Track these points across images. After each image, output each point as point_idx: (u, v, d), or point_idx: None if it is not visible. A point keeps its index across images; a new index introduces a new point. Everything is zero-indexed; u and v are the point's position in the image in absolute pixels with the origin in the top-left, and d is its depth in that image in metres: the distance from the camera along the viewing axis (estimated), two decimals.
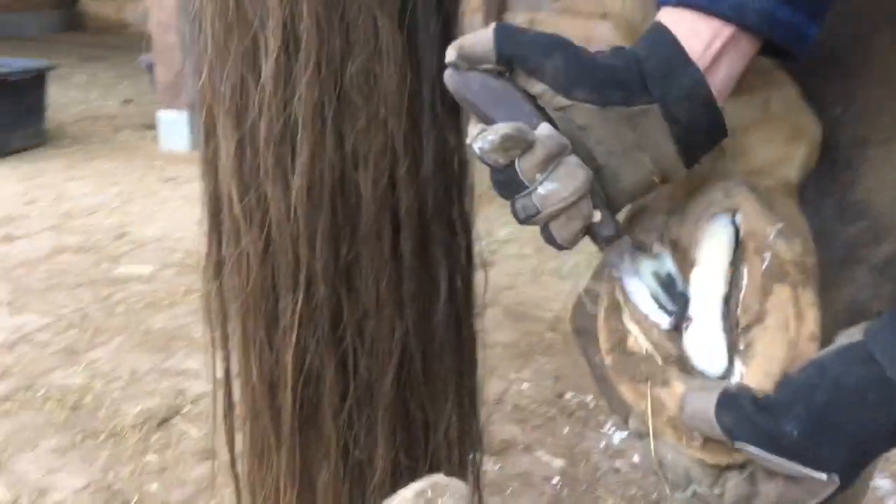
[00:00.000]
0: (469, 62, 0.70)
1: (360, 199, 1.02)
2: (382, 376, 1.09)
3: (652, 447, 0.74)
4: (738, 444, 0.67)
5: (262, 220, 1.02)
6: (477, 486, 1.33)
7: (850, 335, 0.67)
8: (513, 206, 0.71)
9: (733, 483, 0.70)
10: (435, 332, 1.10)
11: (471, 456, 1.28)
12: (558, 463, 1.89)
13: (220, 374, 1.17)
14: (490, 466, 1.87)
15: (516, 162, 0.68)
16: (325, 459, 1.11)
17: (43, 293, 2.72)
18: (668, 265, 0.79)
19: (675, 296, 0.78)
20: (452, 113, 1.03)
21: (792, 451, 0.64)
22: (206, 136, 1.07)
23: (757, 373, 0.71)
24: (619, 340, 0.78)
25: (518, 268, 2.78)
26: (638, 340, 0.77)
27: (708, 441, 0.71)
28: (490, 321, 2.47)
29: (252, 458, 1.16)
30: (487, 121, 0.70)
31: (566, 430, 2.00)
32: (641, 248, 0.80)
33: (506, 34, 0.69)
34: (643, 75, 0.67)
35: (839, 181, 0.90)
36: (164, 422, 2.00)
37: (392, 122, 1.00)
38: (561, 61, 0.67)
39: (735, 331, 0.74)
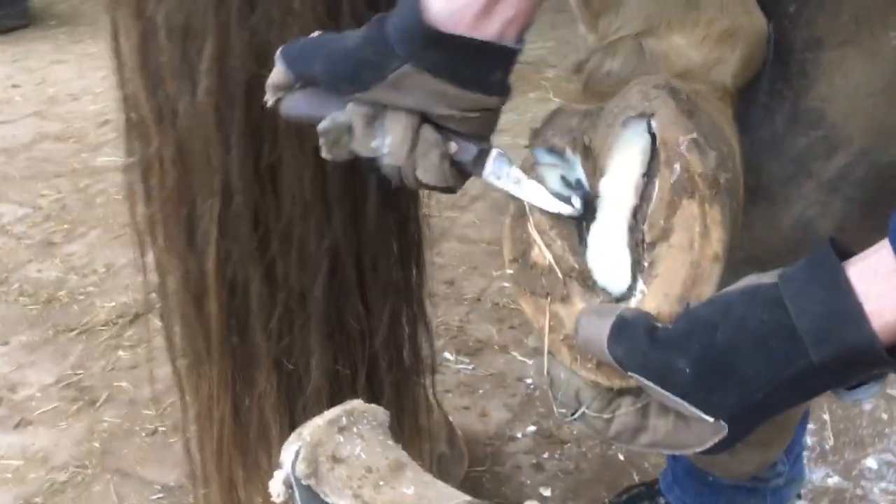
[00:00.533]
0: (284, 90, 0.75)
1: None
2: (312, 285, 1.04)
3: (545, 365, 0.70)
4: (634, 375, 0.62)
5: (173, 121, 0.95)
6: (428, 391, 1.29)
7: (762, 277, 0.61)
8: (386, 178, 0.74)
9: (624, 412, 0.66)
10: (368, 236, 1.04)
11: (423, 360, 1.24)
12: (533, 363, 1.86)
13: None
14: (463, 367, 1.85)
15: (352, 148, 0.72)
16: (257, 370, 1.08)
17: (22, 182, 2.69)
18: (579, 171, 0.73)
19: (582, 204, 0.73)
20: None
21: (683, 390, 0.59)
22: (113, 27, 0.98)
23: (657, 294, 0.66)
24: (523, 251, 0.73)
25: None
26: (541, 251, 0.72)
27: (601, 364, 0.67)
28: (475, 216, 2.41)
29: (189, 366, 1.13)
30: None
31: None
32: (553, 152, 0.74)
33: (289, 56, 0.75)
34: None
35: (793, 86, 0.83)
36: (136, 318, 2.00)
37: (308, 13, 0.90)
38: (320, 69, 0.72)
39: (640, 247, 0.69)
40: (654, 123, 0.70)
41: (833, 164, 0.82)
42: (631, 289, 0.69)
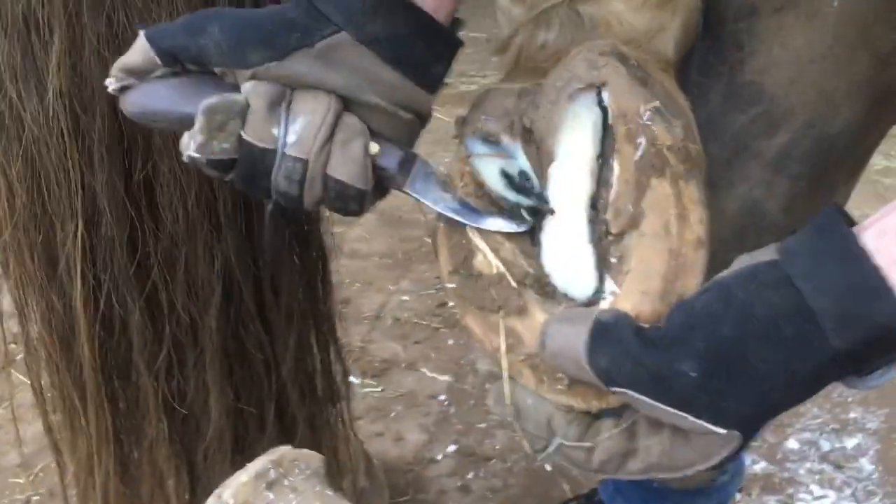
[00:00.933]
0: (138, 76, 0.62)
1: None
2: (205, 313, 0.90)
3: (506, 392, 0.60)
4: (616, 390, 0.52)
5: (18, 131, 0.79)
6: (346, 421, 1.17)
7: (756, 256, 0.53)
8: (275, 186, 0.61)
9: (607, 436, 0.57)
10: (265, 255, 0.92)
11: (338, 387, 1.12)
12: (444, 379, 1.77)
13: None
14: (371, 390, 1.74)
15: (242, 135, 0.59)
16: (145, 417, 0.93)
17: None
18: (521, 161, 0.64)
19: (530, 198, 0.64)
20: None
21: (686, 399, 0.50)
22: None
23: (632, 292, 0.57)
24: (464, 259, 0.63)
25: None
26: (486, 258, 0.62)
27: (575, 383, 0.57)
28: (364, 230, 2.30)
29: (62, 420, 0.97)
30: (192, 121, 0.60)
31: (451, 342, 1.88)
32: (487, 141, 0.64)
33: (156, 34, 0.61)
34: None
35: (726, 61, 0.76)
36: None
37: None
38: (218, 34, 0.59)
39: (605, 240, 0.61)
40: (605, 94, 0.61)
41: (776, 140, 0.76)
42: (598, 291, 0.60)
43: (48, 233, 0.83)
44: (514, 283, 0.61)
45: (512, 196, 0.62)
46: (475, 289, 0.62)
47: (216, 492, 0.63)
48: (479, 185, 0.64)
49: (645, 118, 0.60)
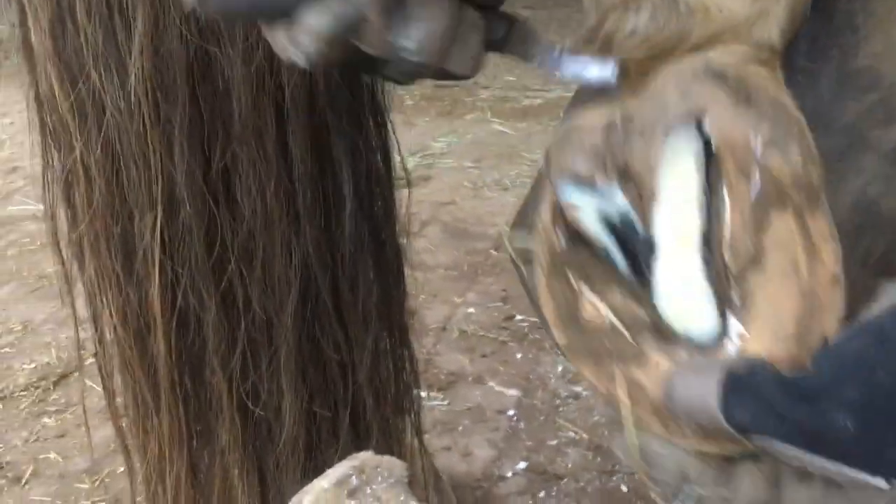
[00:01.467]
0: None
1: (230, 82, 0.77)
2: (281, 311, 0.87)
3: (630, 444, 0.56)
4: (760, 441, 0.49)
5: (98, 119, 0.77)
6: (418, 432, 1.13)
7: None
8: (380, 71, 0.56)
9: (748, 483, 0.53)
10: (344, 251, 0.88)
11: (411, 395, 1.08)
12: (513, 393, 1.72)
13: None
14: (437, 403, 1.69)
15: (359, 45, 0.52)
16: (218, 419, 0.90)
17: None
18: (619, 202, 0.59)
19: (635, 243, 0.59)
20: None
21: (842, 450, 0.47)
22: (20, 10, 0.80)
23: (763, 334, 0.53)
24: (570, 310, 0.59)
25: (457, 181, 2.56)
26: (594, 306, 0.58)
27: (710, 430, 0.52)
28: (429, 241, 2.26)
29: (133, 421, 0.94)
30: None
31: (518, 356, 1.83)
32: (581, 184, 0.60)
33: None
34: None
35: (839, 44, 0.70)
36: (62, 378, 1.76)
37: None
38: None
39: (724, 279, 0.56)
40: (706, 124, 0.56)
41: (894, 130, 0.70)
42: (723, 332, 0.55)
43: (126, 224, 0.80)
44: (626, 332, 0.57)
45: (612, 243, 0.59)
46: (586, 340, 0.59)
47: (295, 499, 0.59)
48: (576, 233, 0.60)
49: (758, 150, 0.55)
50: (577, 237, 0.60)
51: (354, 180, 0.84)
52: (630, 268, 0.59)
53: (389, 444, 1.02)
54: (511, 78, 3.21)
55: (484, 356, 1.83)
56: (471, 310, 1.98)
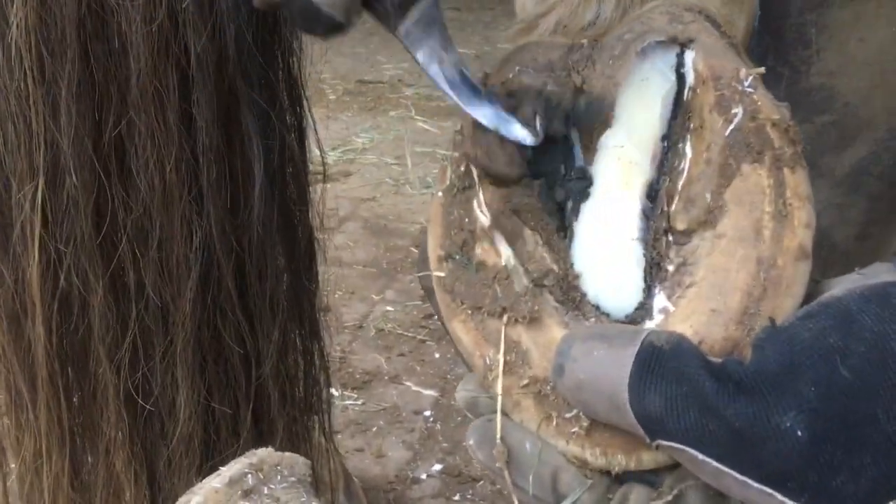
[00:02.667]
0: None
1: (126, 40, 0.70)
2: (178, 297, 0.79)
3: (498, 428, 0.45)
4: (666, 444, 0.39)
5: None
6: (327, 432, 1.07)
7: (878, 274, 0.41)
8: None
9: None
10: (251, 234, 0.81)
11: (320, 393, 1.02)
12: (430, 394, 1.68)
13: None
14: (351, 403, 1.64)
15: None
16: (103, 413, 0.81)
17: None
18: (566, 102, 0.51)
19: (569, 173, 0.51)
20: None
21: (782, 470, 0.36)
22: None
23: (697, 311, 0.44)
24: (463, 243, 0.49)
25: (378, 177, 2.50)
26: (495, 243, 0.49)
27: (598, 427, 0.43)
28: (348, 238, 2.20)
29: (5, 414, 0.84)
30: None
31: (437, 355, 1.78)
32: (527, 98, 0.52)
33: None
34: None
35: (789, 61, 0.66)
36: None
37: None
38: None
39: (661, 240, 0.47)
40: (690, 55, 0.49)
41: (849, 155, 0.66)
42: (643, 306, 0.47)
43: (1, 194, 0.71)
44: (527, 282, 0.47)
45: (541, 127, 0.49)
46: (472, 283, 0.48)
47: (182, 499, 0.52)
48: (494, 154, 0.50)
49: (746, 84, 0.47)
50: (495, 156, 0.50)
51: (265, 157, 0.77)
52: (550, 202, 0.50)
53: (296, 444, 0.96)
54: None
55: (401, 355, 1.78)
56: (389, 308, 1.93)
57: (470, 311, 0.48)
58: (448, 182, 0.51)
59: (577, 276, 0.49)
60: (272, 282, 0.86)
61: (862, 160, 0.65)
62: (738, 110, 0.46)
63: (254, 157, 0.77)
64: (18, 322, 0.76)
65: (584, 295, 0.48)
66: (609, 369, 0.40)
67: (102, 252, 0.75)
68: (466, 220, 0.50)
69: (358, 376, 1.72)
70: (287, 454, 0.56)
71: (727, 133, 0.46)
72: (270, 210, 0.80)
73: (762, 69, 0.48)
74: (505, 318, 0.47)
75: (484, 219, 0.49)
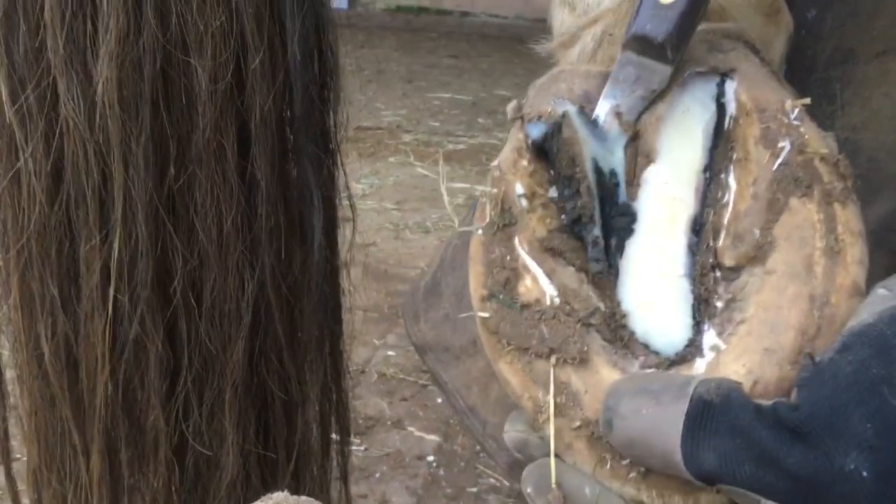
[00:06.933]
0: None
1: (194, 98, 0.73)
2: (229, 346, 0.81)
3: (553, 474, 0.45)
4: (728, 489, 0.39)
5: (49, 129, 0.71)
6: (343, 474, 1.07)
7: None
8: None
9: None
10: (306, 285, 0.83)
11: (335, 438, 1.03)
12: (433, 438, 1.68)
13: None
14: (355, 448, 1.63)
15: None
16: (152, 461, 0.82)
17: None
18: (619, 154, 0.50)
19: (612, 210, 0.50)
20: None
21: None
22: None
23: (748, 349, 0.44)
24: (506, 281, 0.49)
25: (378, 223, 2.53)
26: (539, 282, 0.48)
27: (652, 472, 0.44)
28: (349, 283, 2.20)
29: (45, 467, 0.84)
30: None
31: (439, 400, 1.79)
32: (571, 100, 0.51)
33: None
34: None
35: (815, 115, 0.68)
36: None
37: None
38: None
39: (710, 276, 0.47)
40: (730, 85, 0.48)
41: (874, 210, 0.64)
42: (692, 343, 0.46)
43: (71, 244, 0.73)
44: (575, 322, 0.46)
45: (592, 183, 0.49)
46: (517, 323, 0.47)
47: None
48: (539, 183, 0.50)
49: (792, 116, 0.47)
50: (536, 192, 0.50)
51: (323, 205, 0.80)
52: (599, 242, 0.49)
53: (315, 489, 0.97)
54: (434, 123, 3.24)
55: (404, 400, 1.79)
56: (391, 352, 1.94)
57: (516, 352, 0.47)
58: (488, 219, 0.50)
59: (624, 315, 0.48)
60: (316, 330, 0.88)
61: (887, 216, 0.64)
62: (784, 144, 0.46)
63: (313, 208, 0.79)
64: (75, 371, 0.77)
65: (632, 333, 0.48)
66: (660, 427, 0.40)
67: (160, 302, 0.77)
68: (508, 258, 0.49)
69: (361, 422, 1.72)
70: (303, 498, 0.58)
71: (774, 167, 0.46)
72: (324, 264, 0.82)
73: (807, 100, 0.48)
74: (553, 359, 0.46)
75: (527, 257, 0.49)
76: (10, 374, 0.84)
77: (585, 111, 0.51)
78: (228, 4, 0.71)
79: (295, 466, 0.91)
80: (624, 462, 0.44)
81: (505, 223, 0.50)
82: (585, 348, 0.46)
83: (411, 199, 2.55)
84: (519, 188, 0.49)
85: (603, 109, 0.51)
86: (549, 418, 0.45)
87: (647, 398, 0.41)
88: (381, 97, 3.36)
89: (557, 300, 0.47)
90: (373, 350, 1.95)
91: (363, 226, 2.55)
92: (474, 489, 1.55)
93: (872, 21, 0.65)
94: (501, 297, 0.48)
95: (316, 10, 0.76)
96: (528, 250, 0.49)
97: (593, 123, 0.51)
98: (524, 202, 0.49)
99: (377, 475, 1.58)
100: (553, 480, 0.45)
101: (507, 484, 1.57)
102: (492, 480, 1.58)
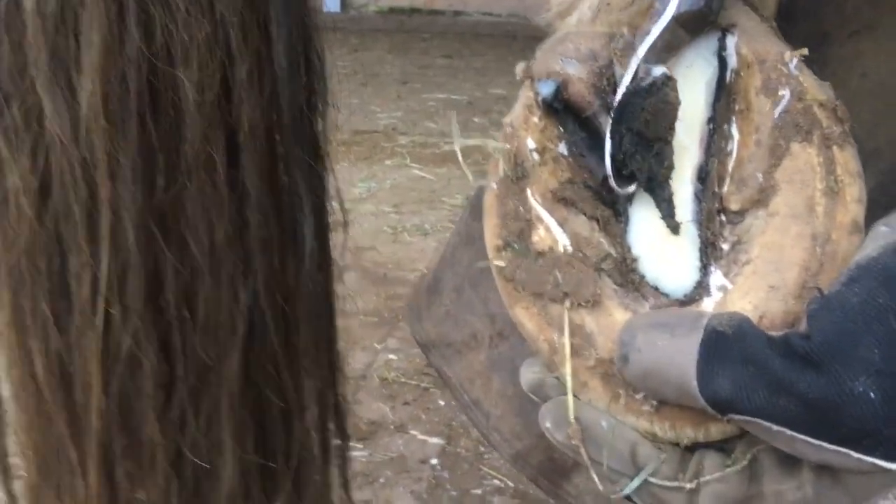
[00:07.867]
0: None
1: (181, 111, 0.72)
2: (224, 356, 0.80)
3: (570, 409, 0.47)
4: (738, 418, 0.41)
5: (36, 145, 0.70)
6: (344, 480, 1.07)
7: None
8: None
9: (717, 476, 0.45)
10: (299, 292, 0.83)
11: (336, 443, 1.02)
12: (436, 441, 1.68)
13: None
14: (358, 453, 1.63)
15: None
16: (149, 475, 0.82)
17: None
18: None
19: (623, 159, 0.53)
20: None
21: (857, 431, 0.39)
22: None
23: (755, 287, 0.46)
24: (520, 232, 0.51)
25: (376, 226, 2.53)
26: (552, 231, 0.50)
27: (665, 404, 0.45)
28: (348, 287, 2.20)
29: (43, 482, 0.84)
30: None
31: (441, 402, 1.79)
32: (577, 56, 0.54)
33: None
34: None
35: None
36: None
37: (223, 2, 0.71)
38: None
39: (716, 220, 0.49)
40: (731, 40, 0.51)
41: None
42: (700, 285, 0.48)
43: (61, 260, 0.73)
44: (587, 266, 0.48)
45: (606, 124, 0.51)
46: (532, 270, 0.49)
47: None
48: (549, 139, 0.53)
49: (792, 66, 0.49)
50: (546, 147, 0.52)
51: (316, 214, 0.79)
52: (603, 190, 0.51)
53: (323, 497, 0.97)
54: (431, 124, 3.24)
55: (406, 403, 1.79)
56: (392, 356, 1.94)
57: (532, 298, 0.49)
58: (502, 173, 0.53)
59: (634, 260, 0.51)
60: (311, 337, 0.88)
61: (870, 192, 0.67)
62: (784, 92, 0.49)
63: (304, 215, 0.79)
64: (69, 387, 0.77)
65: (642, 277, 0.50)
66: (675, 358, 0.42)
67: (153, 314, 0.77)
68: (521, 209, 0.51)
69: (363, 426, 1.73)
70: None
71: (776, 115, 0.48)
72: (318, 271, 0.82)
73: (805, 50, 0.50)
74: (567, 302, 0.48)
75: (539, 207, 0.51)
76: (5, 391, 0.84)
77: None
78: (213, 15, 0.71)
79: (295, 474, 0.91)
80: (638, 396, 0.46)
81: (518, 176, 0.52)
82: (598, 292, 0.48)
83: (409, 202, 2.55)
84: (530, 143, 0.52)
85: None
86: (564, 358, 0.47)
87: (661, 332, 0.43)
88: (376, 100, 3.37)
89: (570, 248, 0.50)
90: (373, 354, 1.95)
91: (361, 230, 2.58)
92: (479, 491, 1.55)
93: (844, 1, 0.66)
94: (516, 246, 0.50)
95: (302, 17, 0.76)
96: (541, 201, 0.51)
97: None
98: (536, 156, 0.52)
99: (381, 480, 1.58)
100: (571, 415, 0.46)
101: (511, 485, 1.57)
102: (496, 482, 1.58)
